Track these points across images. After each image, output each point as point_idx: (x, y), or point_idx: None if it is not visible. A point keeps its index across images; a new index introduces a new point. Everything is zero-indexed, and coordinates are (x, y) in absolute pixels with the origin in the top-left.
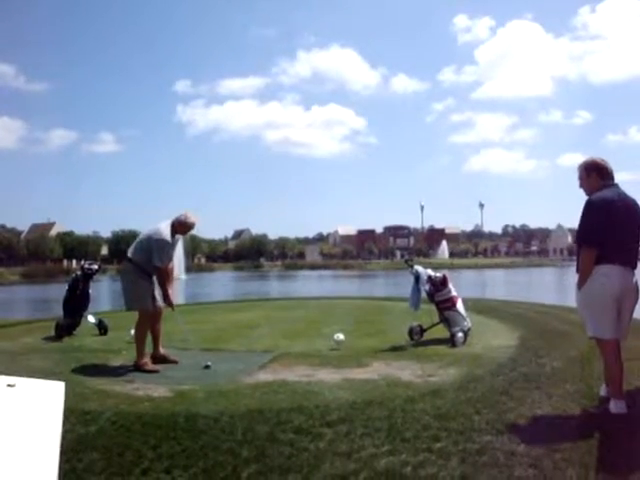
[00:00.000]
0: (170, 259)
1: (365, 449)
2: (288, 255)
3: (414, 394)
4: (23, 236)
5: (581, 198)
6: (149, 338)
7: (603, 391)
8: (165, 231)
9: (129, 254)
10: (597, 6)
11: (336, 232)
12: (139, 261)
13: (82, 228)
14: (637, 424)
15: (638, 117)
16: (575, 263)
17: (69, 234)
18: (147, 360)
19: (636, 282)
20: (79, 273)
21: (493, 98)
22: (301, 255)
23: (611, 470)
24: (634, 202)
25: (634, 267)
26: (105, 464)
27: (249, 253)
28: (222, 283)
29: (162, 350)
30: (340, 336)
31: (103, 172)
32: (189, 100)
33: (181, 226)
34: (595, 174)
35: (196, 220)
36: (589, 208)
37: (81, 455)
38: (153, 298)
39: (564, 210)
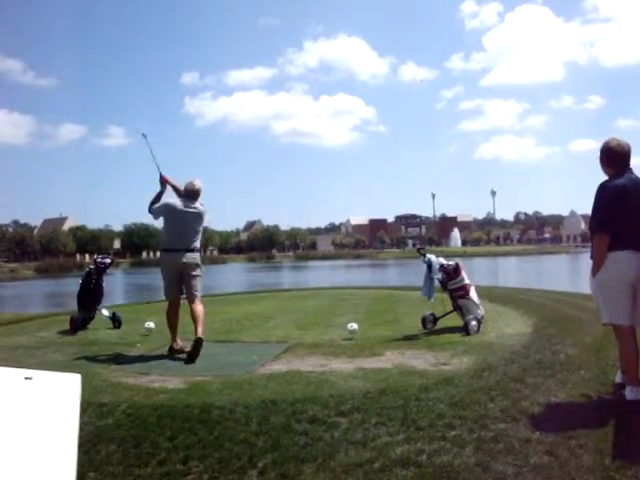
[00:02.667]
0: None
1: (380, 438)
2: (300, 246)
3: (428, 383)
4: (36, 231)
5: (594, 183)
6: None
7: (618, 378)
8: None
9: None
10: None
11: (348, 222)
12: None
13: (94, 222)
14: None
15: None
16: (589, 249)
17: (81, 228)
18: (174, 344)
19: None
20: (92, 267)
21: (503, 85)
22: (313, 245)
23: (627, 456)
24: None
25: None
26: (122, 455)
27: (261, 244)
28: (234, 274)
29: (180, 342)
30: (353, 326)
31: (114, 166)
32: (197, 92)
33: (184, 190)
34: (608, 158)
35: (192, 184)
36: (601, 194)
37: (99, 447)
38: (179, 289)
39: (577, 196)
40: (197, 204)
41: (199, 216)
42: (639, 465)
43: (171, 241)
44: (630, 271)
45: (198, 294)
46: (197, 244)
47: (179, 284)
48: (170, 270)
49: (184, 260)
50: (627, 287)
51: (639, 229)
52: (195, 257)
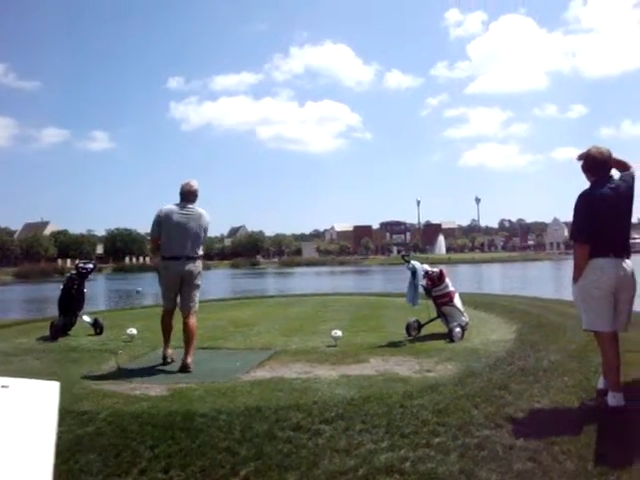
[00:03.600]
0: (158, 233)
1: (364, 445)
2: (284, 252)
3: (412, 389)
4: (16, 236)
5: (577, 191)
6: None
7: (601, 384)
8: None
9: None
10: None
11: (332, 228)
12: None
13: (77, 227)
14: (634, 416)
15: (630, 111)
16: (572, 257)
17: (63, 233)
18: (165, 349)
19: (632, 272)
20: (74, 272)
21: (487, 93)
22: (298, 252)
23: (609, 462)
24: (626, 189)
25: (628, 257)
26: (102, 464)
27: (245, 250)
28: (218, 281)
29: (170, 351)
30: (338, 332)
31: (97, 170)
32: (182, 97)
33: (180, 191)
34: (589, 165)
35: (189, 184)
36: (579, 204)
37: (78, 456)
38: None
39: (560, 204)
40: (195, 206)
41: (199, 218)
42: (621, 470)
43: (171, 248)
44: (611, 278)
45: (194, 306)
46: (199, 251)
47: (177, 293)
48: (170, 279)
49: (186, 268)
50: (608, 294)
51: (619, 236)
52: (198, 266)
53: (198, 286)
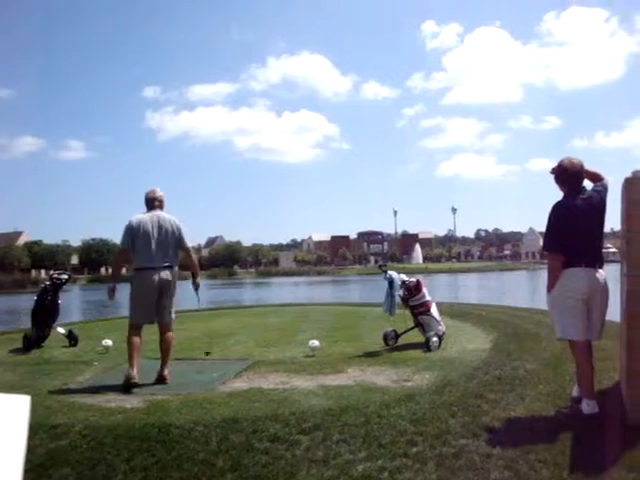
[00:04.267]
0: (128, 243)
1: (341, 456)
2: (262, 262)
3: (390, 399)
4: None
5: (551, 201)
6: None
7: (575, 391)
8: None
9: None
10: (562, 13)
11: (310, 238)
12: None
13: (51, 237)
14: (609, 423)
15: (603, 123)
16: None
17: (37, 243)
18: (131, 369)
19: (605, 282)
20: (48, 283)
21: (463, 104)
22: (275, 262)
23: (584, 469)
24: (598, 200)
25: (601, 266)
26: (76, 478)
27: (223, 260)
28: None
29: (135, 372)
30: (315, 342)
31: (72, 179)
32: (159, 106)
33: (145, 199)
34: (562, 177)
35: (153, 190)
36: (551, 215)
37: (51, 471)
38: (152, 313)
39: (535, 213)
40: (163, 213)
41: (168, 223)
42: (595, 477)
43: (145, 258)
44: (584, 287)
45: (173, 317)
46: (175, 259)
47: (153, 307)
48: (147, 290)
49: (165, 278)
50: (581, 303)
51: (592, 246)
52: (175, 274)
53: (174, 295)
